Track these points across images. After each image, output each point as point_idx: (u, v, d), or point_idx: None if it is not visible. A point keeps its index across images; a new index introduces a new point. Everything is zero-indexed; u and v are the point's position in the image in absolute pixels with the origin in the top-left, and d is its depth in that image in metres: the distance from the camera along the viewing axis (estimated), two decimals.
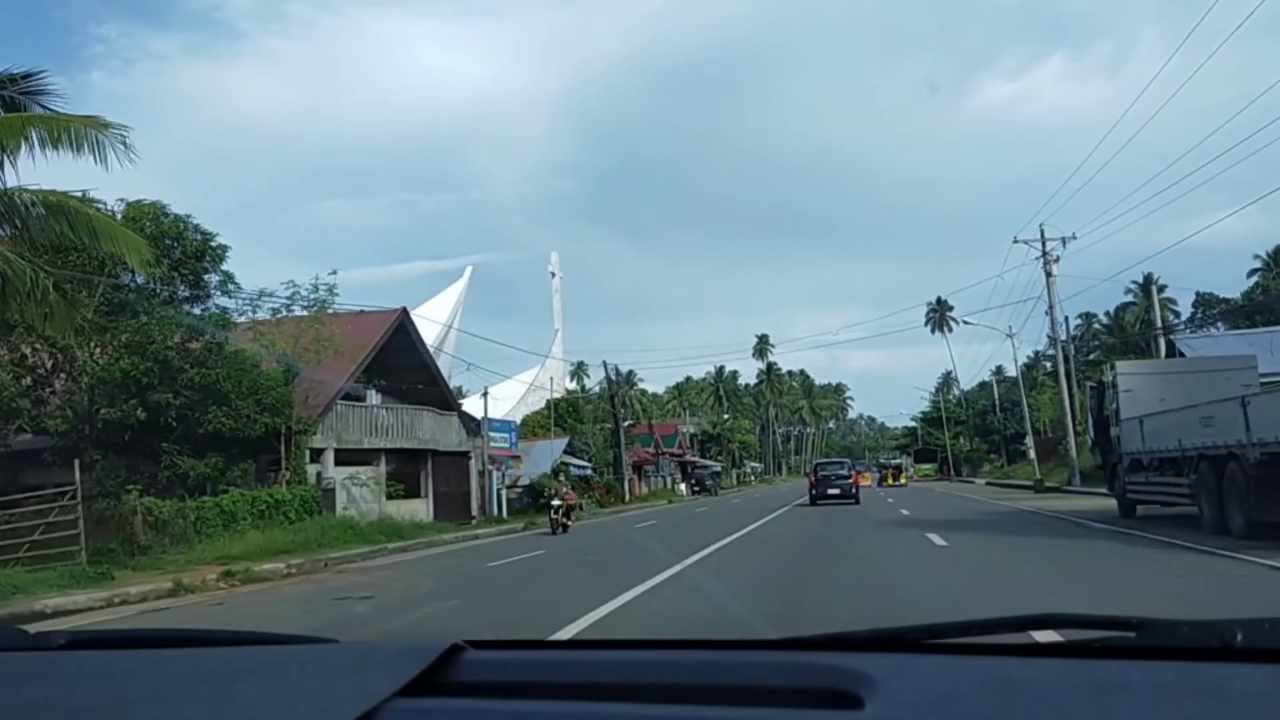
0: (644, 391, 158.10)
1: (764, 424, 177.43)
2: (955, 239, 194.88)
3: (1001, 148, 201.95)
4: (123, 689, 1.31)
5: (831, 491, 34.53)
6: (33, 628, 4.59)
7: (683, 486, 63.87)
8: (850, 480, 35.71)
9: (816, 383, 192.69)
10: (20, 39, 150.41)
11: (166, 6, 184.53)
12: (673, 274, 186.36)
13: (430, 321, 75.68)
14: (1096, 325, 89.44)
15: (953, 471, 78.75)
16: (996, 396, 78.56)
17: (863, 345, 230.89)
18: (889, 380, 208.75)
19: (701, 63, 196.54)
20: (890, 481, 67.05)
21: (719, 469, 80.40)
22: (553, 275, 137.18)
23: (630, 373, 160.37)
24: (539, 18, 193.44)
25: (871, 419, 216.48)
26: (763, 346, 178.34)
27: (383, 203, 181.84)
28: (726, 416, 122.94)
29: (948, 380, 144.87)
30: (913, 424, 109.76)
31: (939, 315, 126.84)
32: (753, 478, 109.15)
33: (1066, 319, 43.21)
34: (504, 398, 59.07)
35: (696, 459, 73.86)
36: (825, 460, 49.34)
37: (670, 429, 76.84)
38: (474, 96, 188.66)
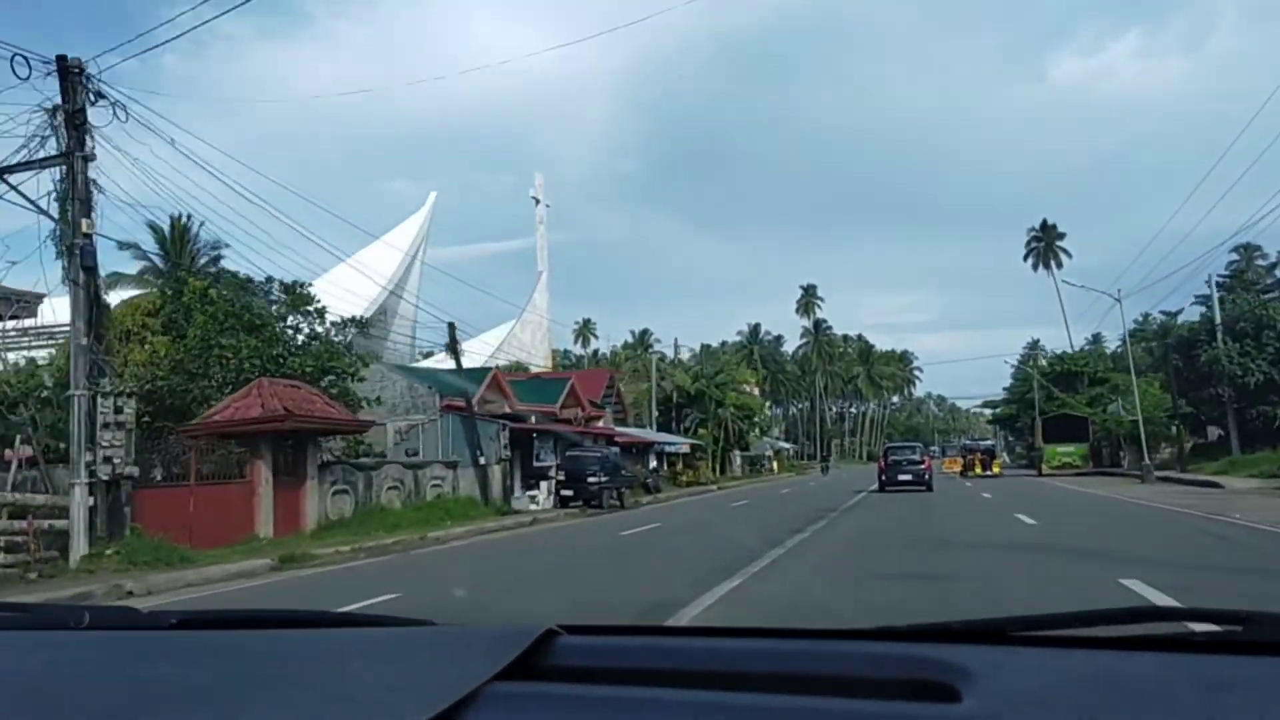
0: (663, 356, 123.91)
1: (812, 398, 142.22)
2: (1030, 218, 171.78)
3: (1080, 123, 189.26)
4: (230, 669, 1.34)
5: (903, 477, 32.34)
6: None
7: (541, 493, 27.41)
8: (923, 466, 33.34)
9: (877, 348, 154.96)
10: (94, 23, 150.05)
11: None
12: (736, 254, 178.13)
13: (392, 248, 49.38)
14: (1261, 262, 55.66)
15: (1147, 455, 39.83)
16: (1218, 314, 40.30)
17: (932, 328, 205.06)
18: (960, 365, 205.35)
19: (768, 38, 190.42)
20: (979, 470, 48.16)
21: (680, 449, 43.93)
22: (536, 202, 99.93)
23: (645, 331, 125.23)
24: None
25: (941, 398, 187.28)
26: (809, 300, 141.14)
27: (446, 183, 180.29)
28: (753, 373, 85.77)
29: (1035, 349, 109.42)
30: (1014, 379, 71.21)
31: (1044, 245, 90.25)
32: (773, 463, 71.78)
33: None
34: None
35: (616, 430, 36.91)
36: (896, 444, 41.69)
37: (600, 378, 40.51)
38: (538, 77, 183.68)
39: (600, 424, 35.17)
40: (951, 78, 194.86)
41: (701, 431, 50.77)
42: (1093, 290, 56.69)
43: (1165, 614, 1.28)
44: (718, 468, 52.18)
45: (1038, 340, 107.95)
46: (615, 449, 29.89)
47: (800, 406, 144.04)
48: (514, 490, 26.74)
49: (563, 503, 26.26)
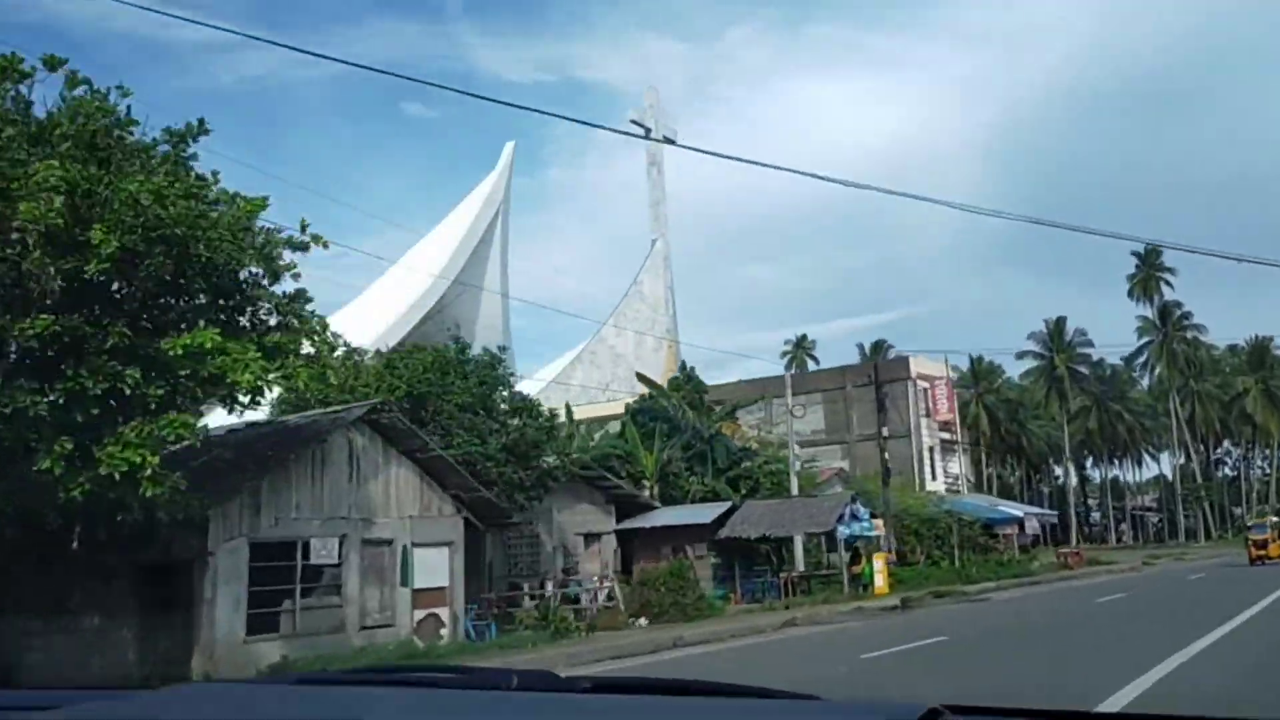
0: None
1: (1172, 428, 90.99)
2: None
3: None
4: None
5: None
6: None
7: None
8: None
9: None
10: (488, 146, 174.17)
11: (608, 106, 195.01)
12: (1108, 311, 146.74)
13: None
14: None
15: None
16: None
17: None
18: None
19: (1138, 88, 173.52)
20: None
21: None
22: (645, 132, 64.02)
23: (879, 342, 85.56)
24: (951, 63, 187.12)
25: None
26: (1149, 275, 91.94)
27: (802, 263, 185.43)
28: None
29: None
30: None
31: None
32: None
33: None
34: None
35: None
36: None
37: None
38: (890, 148, 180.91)
39: None
40: None
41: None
42: None
43: None
44: None
45: None
46: None
47: (1177, 461, 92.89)
48: None
49: None
